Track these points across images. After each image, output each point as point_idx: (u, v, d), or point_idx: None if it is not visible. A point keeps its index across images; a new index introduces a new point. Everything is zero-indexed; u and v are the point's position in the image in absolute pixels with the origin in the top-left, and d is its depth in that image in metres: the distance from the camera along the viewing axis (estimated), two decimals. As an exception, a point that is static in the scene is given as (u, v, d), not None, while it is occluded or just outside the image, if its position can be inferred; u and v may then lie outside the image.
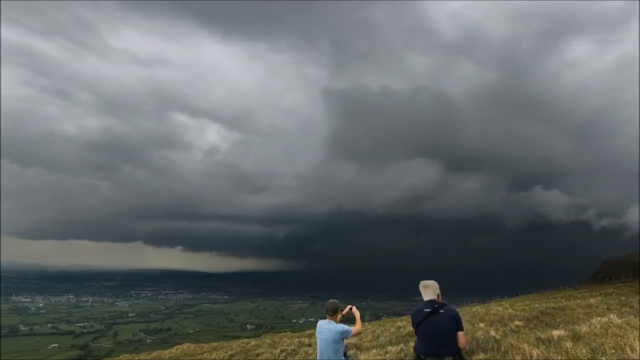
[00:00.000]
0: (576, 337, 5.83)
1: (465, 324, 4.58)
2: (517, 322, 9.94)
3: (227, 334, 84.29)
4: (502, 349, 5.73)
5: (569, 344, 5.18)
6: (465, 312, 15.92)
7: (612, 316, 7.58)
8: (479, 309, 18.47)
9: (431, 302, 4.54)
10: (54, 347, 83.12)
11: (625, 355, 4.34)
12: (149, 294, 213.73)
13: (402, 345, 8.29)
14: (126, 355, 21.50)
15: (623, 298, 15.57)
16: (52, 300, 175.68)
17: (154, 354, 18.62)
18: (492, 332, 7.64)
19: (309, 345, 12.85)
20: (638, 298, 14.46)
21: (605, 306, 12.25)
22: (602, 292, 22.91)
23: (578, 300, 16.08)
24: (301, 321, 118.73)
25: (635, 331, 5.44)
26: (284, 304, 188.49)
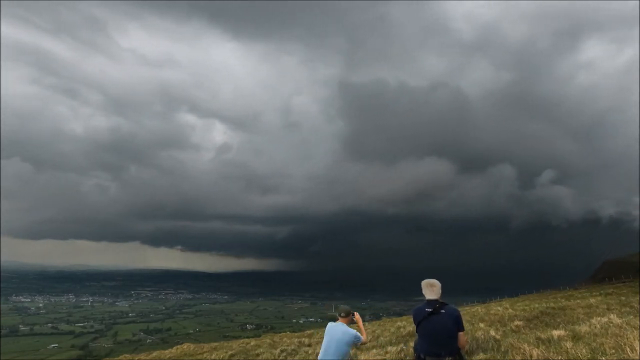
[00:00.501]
0: (576, 337, 5.83)
1: (465, 324, 4.59)
2: (517, 322, 9.93)
3: (227, 334, 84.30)
4: (502, 349, 5.73)
5: (569, 344, 5.18)
6: (465, 312, 15.92)
7: (612, 316, 7.57)
8: (479, 309, 18.47)
9: (433, 302, 4.54)
10: (54, 347, 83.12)
11: (625, 355, 4.34)
12: (149, 294, 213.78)
13: (402, 345, 8.29)
14: (126, 355, 21.51)
15: (623, 298, 15.57)
16: (52, 300, 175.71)
17: (154, 354, 18.62)
18: (492, 332, 7.64)
19: (309, 345, 12.85)
20: (638, 298, 14.46)
21: (605, 306, 12.24)
22: (602, 292, 22.90)
23: (578, 300, 16.07)
24: (301, 321, 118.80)
25: (635, 331, 5.44)
26: (284, 304, 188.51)
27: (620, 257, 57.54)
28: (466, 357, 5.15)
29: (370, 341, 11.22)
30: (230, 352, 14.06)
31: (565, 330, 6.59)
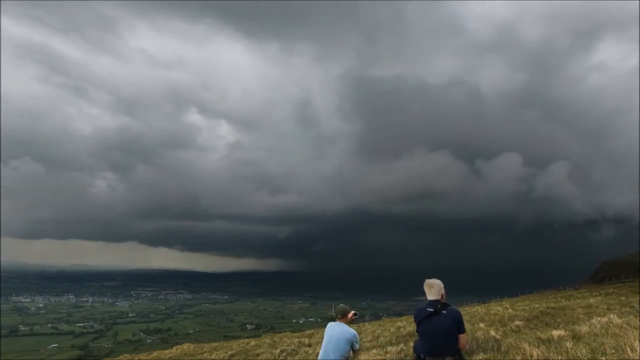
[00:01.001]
0: (576, 337, 5.83)
1: (465, 324, 4.59)
2: (517, 322, 9.93)
3: (227, 334, 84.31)
4: (502, 349, 5.73)
5: (569, 344, 5.18)
6: (465, 312, 15.91)
7: (612, 316, 7.58)
8: (479, 309, 18.47)
9: (434, 302, 4.53)
10: (54, 347, 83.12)
11: (625, 355, 4.34)
12: (149, 294, 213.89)
13: (402, 345, 8.29)
14: (126, 355, 21.52)
15: (623, 298, 15.57)
16: (52, 300, 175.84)
17: (154, 354, 18.63)
18: (492, 332, 7.64)
19: (309, 345, 12.85)
20: (638, 298, 14.46)
21: (605, 306, 12.24)
22: (602, 292, 22.90)
23: (578, 300, 16.07)
24: (301, 321, 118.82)
25: (635, 331, 5.44)
26: (284, 304, 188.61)
27: (620, 257, 57.54)
28: (466, 358, 5.15)
29: (370, 341, 11.23)
30: (230, 352, 14.06)
31: (566, 330, 6.59)
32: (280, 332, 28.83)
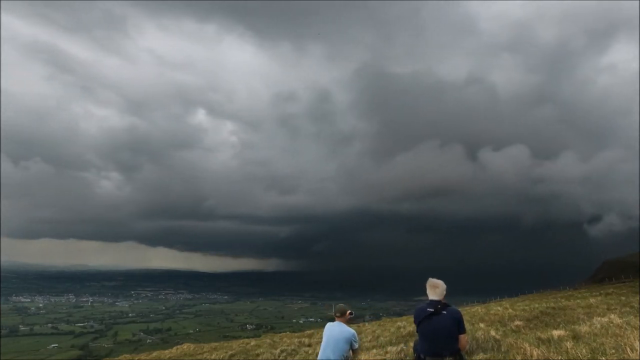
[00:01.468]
0: (576, 337, 5.83)
1: (465, 324, 4.59)
2: (517, 322, 9.93)
3: (227, 334, 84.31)
4: (502, 349, 5.73)
5: (569, 344, 5.18)
6: (466, 312, 15.91)
7: (612, 316, 7.58)
8: (479, 309, 18.47)
9: (435, 302, 4.53)
10: (54, 347, 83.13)
11: (625, 355, 4.34)
12: (149, 294, 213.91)
13: (402, 345, 8.28)
14: (126, 355, 21.52)
15: (623, 298, 15.57)
16: (52, 300, 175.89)
17: (154, 354, 18.63)
18: (492, 332, 7.64)
19: (309, 345, 12.85)
20: (638, 298, 14.46)
21: (605, 306, 12.24)
22: (602, 292, 22.90)
23: (578, 300, 16.07)
24: (301, 321, 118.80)
25: (635, 331, 5.44)
26: (284, 304, 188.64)
27: (620, 257, 57.56)
28: (466, 358, 5.15)
29: (370, 341, 11.23)
30: (230, 352, 14.06)
31: (566, 330, 6.59)
32: (280, 332, 28.84)
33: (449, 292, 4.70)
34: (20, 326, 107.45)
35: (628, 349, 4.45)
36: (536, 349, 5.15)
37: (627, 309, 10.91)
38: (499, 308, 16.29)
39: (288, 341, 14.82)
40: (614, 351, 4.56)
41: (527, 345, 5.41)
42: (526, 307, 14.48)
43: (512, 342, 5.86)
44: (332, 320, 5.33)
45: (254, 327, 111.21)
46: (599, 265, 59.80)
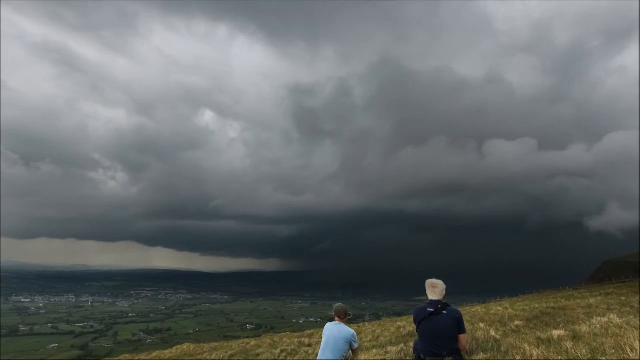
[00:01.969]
0: (576, 337, 5.82)
1: (465, 324, 4.59)
2: (517, 322, 9.93)
3: (227, 334, 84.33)
4: (502, 349, 5.72)
5: (569, 344, 5.18)
6: (466, 312, 15.91)
7: (612, 316, 7.57)
8: (479, 309, 18.46)
9: (435, 302, 4.54)
10: (54, 347, 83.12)
11: (625, 355, 4.33)
12: (149, 294, 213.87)
13: (402, 345, 8.29)
14: (126, 355, 21.49)
15: (623, 298, 15.57)
16: (52, 300, 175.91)
17: (154, 354, 18.62)
18: (492, 332, 7.64)
19: (309, 345, 12.84)
20: (638, 298, 14.46)
21: (605, 306, 12.24)
22: (602, 292, 22.89)
23: (578, 300, 16.07)
24: (301, 321, 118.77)
25: (635, 331, 5.44)
26: (284, 304, 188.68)
27: (620, 257, 57.58)
28: (466, 358, 5.15)
29: (370, 341, 11.22)
30: (230, 352, 14.06)
31: (566, 330, 6.58)
32: (280, 332, 28.82)
33: (449, 292, 4.71)
34: (20, 326, 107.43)
35: (628, 349, 4.45)
36: (536, 349, 5.15)
37: (627, 309, 10.91)
38: (499, 308, 16.28)
39: (288, 341, 14.82)
40: (614, 351, 4.56)
41: (527, 345, 5.41)
42: (526, 307, 14.48)
43: (512, 342, 5.86)
44: (332, 320, 5.34)
45: (254, 327, 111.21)
46: (599, 265, 59.80)
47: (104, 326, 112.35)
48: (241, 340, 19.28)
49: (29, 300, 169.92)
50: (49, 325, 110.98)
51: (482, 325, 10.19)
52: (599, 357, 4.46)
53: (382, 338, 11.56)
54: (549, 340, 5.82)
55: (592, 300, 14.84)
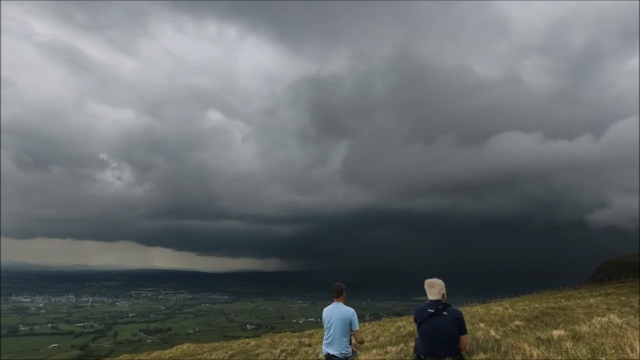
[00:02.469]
0: (576, 337, 5.82)
1: (465, 324, 4.58)
2: (517, 322, 9.93)
3: (227, 334, 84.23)
4: (502, 349, 5.72)
5: (569, 344, 5.18)
6: (466, 312, 15.89)
7: (612, 316, 7.57)
8: (479, 309, 18.45)
9: (435, 303, 4.50)
10: (54, 347, 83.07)
11: (625, 355, 4.33)
12: (149, 294, 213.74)
13: (402, 345, 8.28)
14: (126, 355, 21.50)
15: (623, 298, 15.56)
16: (52, 300, 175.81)
17: (154, 354, 18.62)
18: (492, 332, 7.64)
19: (309, 345, 12.84)
20: (638, 298, 14.46)
21: (605, 306, 12.24)
22: (602, 292, 22.88)
23: (578, 300, 16.06)
24: (301, 321, 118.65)
25: (635, 331, 5.44)
26: (284, 304, 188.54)
27: (620, 257, 57.56)
28: (466, 358, 5.15)
29: (370, 341, 11.22)
30: (230, 352, 14.07)
31: (565, 330, 6.58)
32: (280, 332, 28.81)
33: (449, 292, 4.69)
34: (20, 326, 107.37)
35: (628, 349, 4.45)
36: (536, 349, 5.15)
37: (627, 309, 10.90)
38: (499, 308, 16.28)
39: (288, 341, 14.81)
40: (614, 351, 4.56)
41: (527, 345, 5.41)
42: (526, 307, 14.48)
43: (512, 342, 5.86)
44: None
45: (254, 327, 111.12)
46: (599, 265, 59.79)
47: (104, 326, 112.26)
48: (241, 340, 19.28)
49: (29, 300, 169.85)
50: (49, 325, 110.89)
51: (482, 325, 10.19)
52: (599, 357, 4.46)
53: (382, 338, 11.56)
54: (549, 340, 5.82)
55: (592, 300, 14.83)
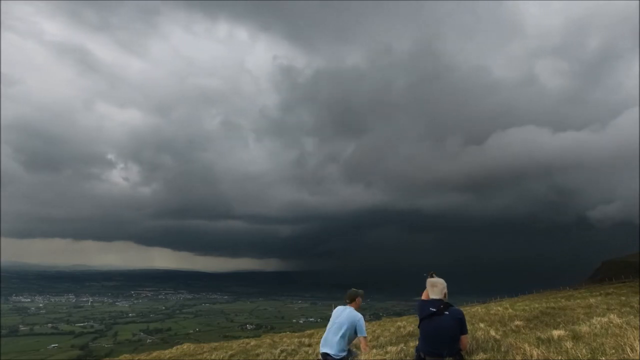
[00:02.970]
0: (576, 337, 5.82)
1: (466, 325, 4.58)
2: (517, 322, 9.93)
3: (227, 334, 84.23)
4: (502, 349, 5.72)
5: (569, 344, 5.17)
6: (466, 312, 15.82)
7: (612, 316, 7.56)
8: (479, 309, 18.45)
9: (437, 302, 4.51)
10: (54, 347, 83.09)
11: (625, 355, 4.33)
12: (149, 294, 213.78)
13: (402, 345, 8.28)
14: (126, 355, 21.48)
15: (623, 298, 15.56)
16: (52, 300, 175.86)
17: (154, 354, 18.61)
18: (492, 332, 7.63)
19: (309, 345, 12.83)
20: (638, 298, 14.46)
21: (605, 306, 12.24)
22: (602, 292, 22.88)
23: (578, 300, 16.06)
24: (301, 321, 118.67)
25: (635, 331, 5.44)
26: (284, 304, 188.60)
27: (620, 257, 57.56)
28: (467, 358, 5.15)
29: (370, 341, 11.22)
30: (230, 352, 14.06)
31: (565, 330, 6.58)
32: (280, 332, 28.80)
33: (449, 292, 4.69)
34: (20, 326, 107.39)
35: (628, 349, 4.44)
36: (536, 349, 5.14)
37: (627, 309, 10.90)
38: (499, 308, 16.27)
39: (288, 341, 14.81)
40: (614, 351, 4.55)
41: (527, 345, 5.41)
42: (526, 307, 14.47)
43: (512, 342, 5.85)
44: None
45: (254, 327, 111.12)
46: (599, 265, 59.78)
47: (104, 326, 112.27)
48: (241, 340, 19.27)
49: (29, 300, 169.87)
50: (49, 325, 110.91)
51: (482, 325, 10.18)
52: (599, 357, 4.45)
53: (382, 338, 11.55)
54: (549, 340, 5.82)
55: (592, 300, 14.82)
